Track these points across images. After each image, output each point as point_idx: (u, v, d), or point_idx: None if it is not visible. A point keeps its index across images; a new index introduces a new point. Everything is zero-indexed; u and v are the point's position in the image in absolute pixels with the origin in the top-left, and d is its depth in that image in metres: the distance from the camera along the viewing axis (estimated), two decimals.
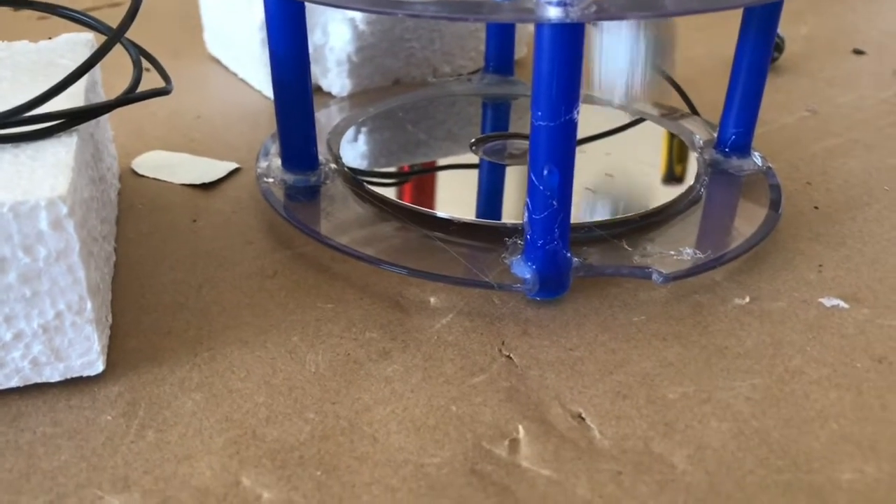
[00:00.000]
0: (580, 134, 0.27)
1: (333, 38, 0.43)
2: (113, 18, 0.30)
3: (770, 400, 0.25)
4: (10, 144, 0.25)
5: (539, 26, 0.25)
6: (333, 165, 0.35)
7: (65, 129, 0.26)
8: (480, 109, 0.42)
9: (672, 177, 0.35)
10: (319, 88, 0.46)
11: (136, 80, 0.29)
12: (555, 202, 0.27)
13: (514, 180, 0.35)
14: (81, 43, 0.33)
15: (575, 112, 0.26)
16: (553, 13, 0.24)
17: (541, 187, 0.27)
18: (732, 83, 0.35)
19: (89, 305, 0.24)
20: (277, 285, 0.30)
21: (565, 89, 0.26)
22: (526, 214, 0.28)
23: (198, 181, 0.36)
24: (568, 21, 0.24)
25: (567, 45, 0.25)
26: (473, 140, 0.38)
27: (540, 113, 0.26)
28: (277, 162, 0.35)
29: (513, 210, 0.33)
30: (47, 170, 0.24)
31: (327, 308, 0.29)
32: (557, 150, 0.26)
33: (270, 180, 0.34)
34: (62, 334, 0.24)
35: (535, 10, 0.24)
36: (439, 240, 0.31)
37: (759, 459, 0.23)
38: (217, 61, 0.50)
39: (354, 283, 0.30)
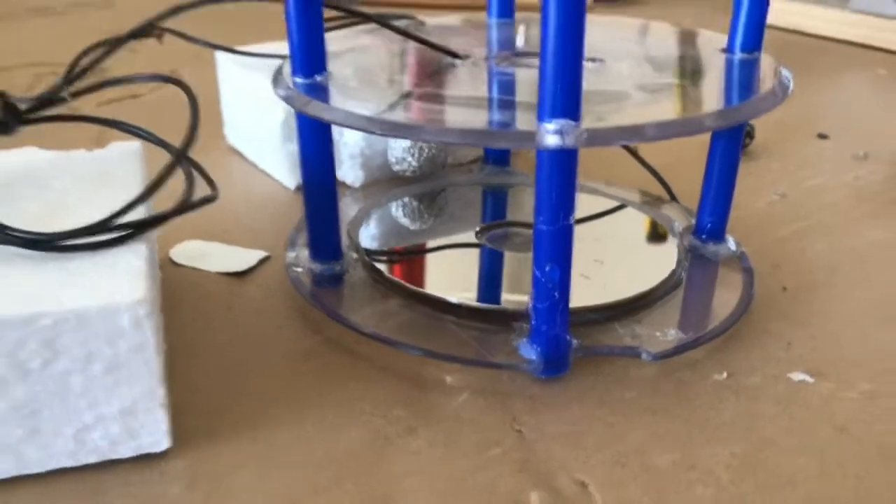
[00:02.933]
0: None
1: (347, 135, 0.48)
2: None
3: (747, 467, 0.29)
4: (89, 252, 0.29)
5: (539, 150, 0.29)
6: (354, 254, 0.40)
7: (134, 238, 0.30)
8: (481, 197, 0.47)
9: (654, 262, 0.40)
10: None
11: (190, 189, 0.33)
12: (556, 294, 0.31)
13: (516, 267, 0.39)
14: (132, 152, 0.37)
15: (571, 218, 0.30)
16: (552, 140, 0.29)
17: (543, 280, 0.31)
18: (707, 175, 0.39)
19: (160, 392, 0.28)
20: (310, 367, 0.34)
21: (563, 200, 0.30)
22: (531, 303, 0.32)
23: (231, 270, 0.40)
24: (564, 147, 0.28)
25: (564, 165, 0.29)
26: (478, 228, 0.42)
27: (542, 218, 0.30)
28: (304, 252, 0.39)
29: (517, 295, 0.37)
30: (124, 275, 0.27)
31: (357, 388, 0.33)
32: (557, 250, 0.31)
33: (299, 269, 0.38)
34: (136, 417, 0.28)
35: (536, 138, 0.29)
36: (452, 322, 0.36)
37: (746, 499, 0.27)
38: (237, 152, 0.54)
39: (378, 363, 0.34)
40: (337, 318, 0.36)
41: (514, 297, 0.37)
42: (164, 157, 0.32)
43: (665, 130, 0.29)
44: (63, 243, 0.29)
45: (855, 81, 0.71)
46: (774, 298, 0.39)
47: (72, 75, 0.36)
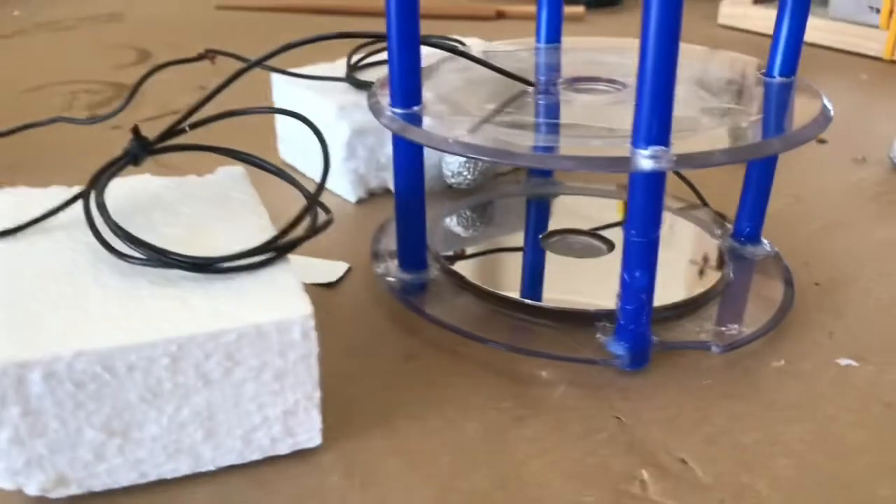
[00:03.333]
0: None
1: None
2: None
3: (817, 440, 0.34)
4: (244, 272, 0.32)
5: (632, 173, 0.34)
6: (437, 263, 0.44)
7: (279, 258, 0.33)
8: (530, 207, 0.51)
9: (704, 264, 0.45)
10: (389, 191, 0.54)
11: (315, 219, 0.36)
12: (643, 296, 0.36)
13: (582, 270, 0.44)
14: (238, 175, 0.40)
15: (658, 231, 0.35)
16: (647, 165, 0.33)
17: (632, 284, 0.36)
18: (746, 183, 0.44)
19: (317, 394, 0.32)
20: (415, 367, 0.38)
21: (653, 216, 0.34)
22: (619, 304, 0.36)
23: (322, 281, 0.44)
24: (657, 171, 0.33)
25: (654, 185, 0.34)
26: (542, 235, 0.46)
27: (634, 231, 0.35)
28: (391, 263, 0.43)
29: (591, 296, 0.41)
30: (287, 292, 0.31)
31: (464, 384, 0.37)
32: (646, 258, 0.35)
33: (392, 280, 0.42)
34: (296, 416, 0.32)
35: (631, 163, 0.33)
36: (537, 323, 0.40)
37: (818, 483, 0.32)
38: (292, 167, 0.57)
39: (477, 361, 0.38)
40: (435, 321, 0.40)
41: (588, 299, 0.41)
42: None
43: (739, 155, 0.34)
44: (224, 266, 0.32)
45: (841, 86, 0.77)
46: (810, 292, 0.44)
47: (191, 108, 0.39)
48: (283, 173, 0.38)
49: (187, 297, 0.31)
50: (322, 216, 0.36)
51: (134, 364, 0.28)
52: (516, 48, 0.49)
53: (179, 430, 0.30)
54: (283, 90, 0.56)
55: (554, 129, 0.38)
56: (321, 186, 0.36)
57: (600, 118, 0.39)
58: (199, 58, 0.55)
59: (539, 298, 0.41)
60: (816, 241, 0.49)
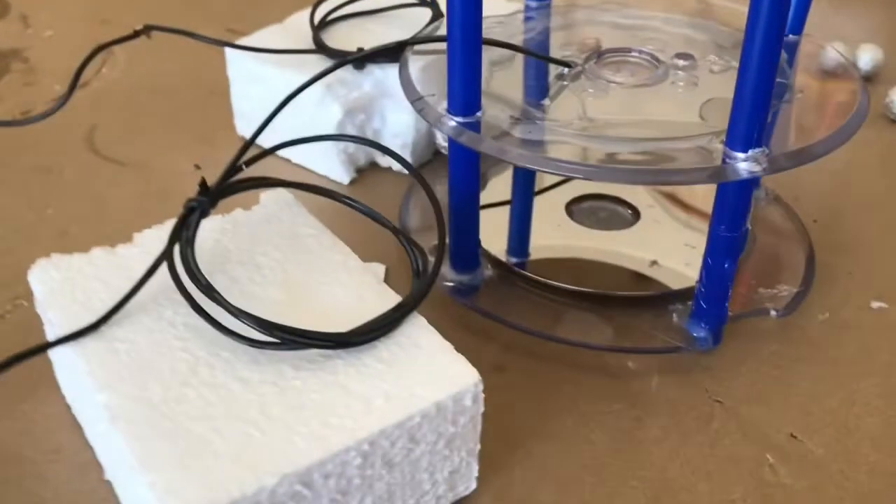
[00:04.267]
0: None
1: (394, 126, 0.49)
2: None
3: (890, 393, 0.38)
4: (381, 338, 0.31)
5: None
6: (487, 262, 0.43)
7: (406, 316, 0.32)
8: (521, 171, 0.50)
9: None
10: (377, 165, 0.52)
11: (416, 271, 0.34)
12: (728, 282, 0.37)
13: (619, 245, 0.44)
14: (289, 203, 0.37)
15: (746, 225, 0.36)
16: (744, 171, 0.33)
17: (720, 274, 0.37)
18: None
19: (478, 447, 0.31)
20: (512, 379, 0.38)
21: (742, 214, 0.36)
22: (702, 289, 0.38)
23: None
24: (755, 175, 0.34)
25: (747, 185, 0.35)
26: (566, 202, 0.46)
27: (723, 227, 0.36)
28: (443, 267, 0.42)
29: (657, 277, 0.42)
30: (445, 356, 0.30)
31: (567, 390, 0.37)
32: (733, 250, 0.37)
33: (450, 283, 0.41)
34: (460, 473, 0.31)
35: (727, 173, 0.34)
36: (599, 312, 0.41)
37: None
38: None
39: (563, 361, 0.39)
40: (514, 326, 0.40)
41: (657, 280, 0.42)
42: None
43: (831, 144, 0.35)
44: (362, 337, 0.30)
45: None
46: (814, 232, 0.47)
47: (245, 145, 0.35)
48: (375, 214, 0.36)
49: (345, 382, 0.29)
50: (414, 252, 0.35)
51: (329, 472, 0.27)
52: (514, 10, 0.47)
53: None
54: (243, 69, 0.51)
55: (619, 130, 0.38)
56: (440, 254, 0.34)
57: (655, 109, 0.39)
58: (137, 34, 0.50)
59: (598, 286, 0.42)
60: (795, 175, 0.52)
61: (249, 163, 0.35)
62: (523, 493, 0.33)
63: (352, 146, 0.50)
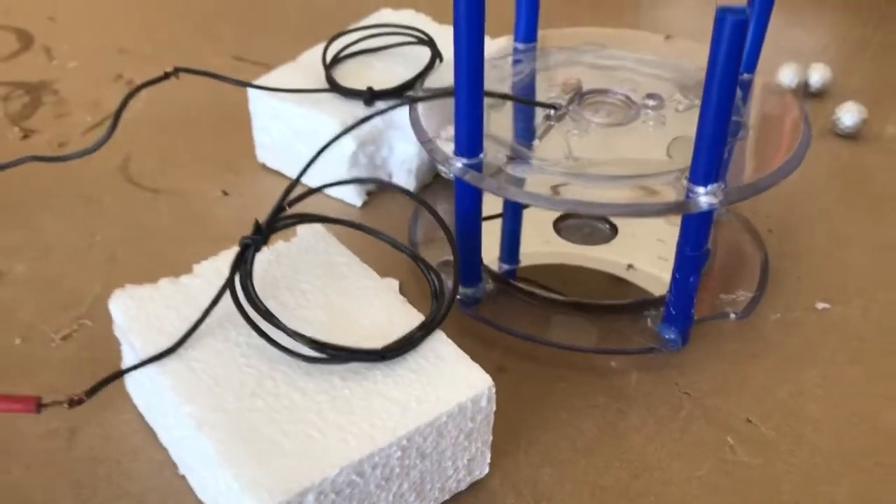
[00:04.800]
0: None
1: (399, 151, 0.56)
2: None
3: (829, 383, 0.45)
4: (411, 352, 0.37)
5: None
6: (489, 276, 0.50)
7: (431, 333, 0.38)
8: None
9: None
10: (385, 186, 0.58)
11: (433, 293, 0.41)
12: (692, 292, 0.44)
13: (600, 261, 0.51)
14: (322, 235, 0.44)
15: (707, 244, 0.43)
16: (705, 202, 0.40)
17: (686, 287, 0.44)
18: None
19: (491, 437, 0.38)
20: (513, 379, 0.45)
21: (704, 235, 0.42)
22: (672, 299, 0.45)
23: None
24: (714, 207, 0.41)
25: (708, 213, 0.42)
26: (554, 220, 0.53)
27: (688, 247, 0.43)
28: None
29: (633, 287, 0.49)
30: (463, 365, 0.37)
31: (562, 387, 0.44)
32: (697, 266, 0.43)
33: (458, 297, 0.48)
34: (476, 461, 0.38)
35: (691, 205, 0.40)
36: (584, 317, 0.48)
37: (844, 420, 0.43)
38: (275, 171, 0.59)
39: (557, 362, 0.46)
40: (513, 333, 0.46)
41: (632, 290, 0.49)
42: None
43: (777, 177, 0.42)
44: (396, 352, 0.37)
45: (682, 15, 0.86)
46: (767, 240, 0.54)
47: (289, 185, 0.41)
48: (396, 242, 0.43)
49: (384, 389, 0.36)
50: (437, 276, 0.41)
51: (377, 463, 0.34)
52: (503, 54, 0.53)
53: (400, 499, 0.36)
54: (265, 106, 0.57)
55: (600, 168, 0.44)
56: (456, 283, 0.41)
57: (630, 146, 0.46)
58: (167, 76, 0.56)
59: (583, 294, 0.49)
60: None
61: (292, 203, 0.41)
62: (527, 475, 0.40)
63: (364, 173, 0.56)
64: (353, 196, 0.56)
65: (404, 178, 0.57)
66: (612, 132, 0.46)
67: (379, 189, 0.58)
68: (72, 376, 0.44)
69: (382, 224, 0.51)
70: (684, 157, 0.43)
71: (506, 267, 0.53)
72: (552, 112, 0.47)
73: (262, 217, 0.41)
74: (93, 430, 0.41)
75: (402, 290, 0.49)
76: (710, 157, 0.40)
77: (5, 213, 0.55)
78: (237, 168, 0.60)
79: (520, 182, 0.43)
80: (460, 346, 0.46)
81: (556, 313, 0.48)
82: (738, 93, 0.49)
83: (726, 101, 0.38)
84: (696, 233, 0.42)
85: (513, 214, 0.55)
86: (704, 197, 0.40)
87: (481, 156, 0.43)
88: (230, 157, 0.61)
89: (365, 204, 0.57)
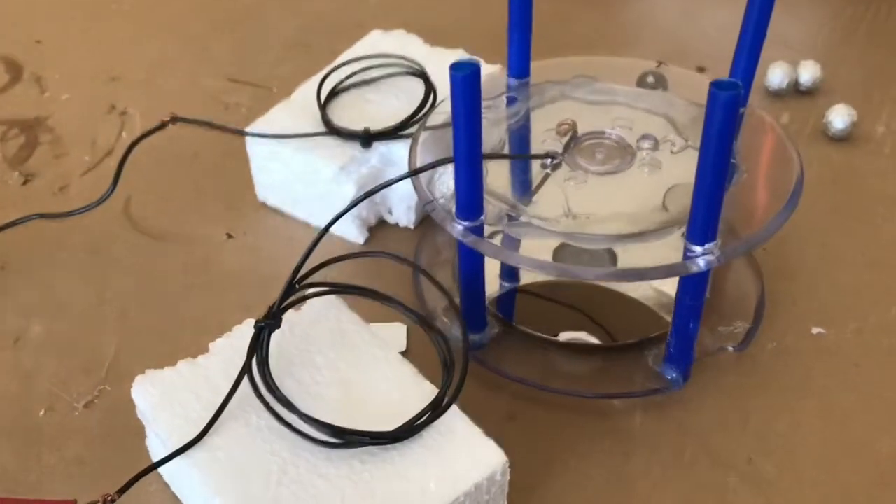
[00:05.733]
0: None
1: (401, 191, 0.56)
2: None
3: (825, 413, 0.47)
4: (428, 426, 0.39)
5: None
6: (495, 321, 0.51)
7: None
8: None
9: None
10: (385, 222, 0.59)
11: (444, 362, 0.42)
12: (693, 338, 0.46)
13: (609, 301, 0.53)
14: (332, 302, 0.45)
15: (706, 294, 0.44)
16: (702, 262, 0.42)
17: (687, 333, 0.45)
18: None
19: (506, 502, 0.40)
20: (523, 426, 0.47)
21: (703, 287, 0.44)
22: (672, 341, 0.46)
23: (400, 349, 0.50)
24: (712, 266, 0.42)
25: (704, 275, 0.43)
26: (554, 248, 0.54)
27: (687, 297, 0.44)
28: (451, 326, 0.50)
29: (627, 327, 0.51)
30: (476, 441, 0.38)
31: (569, 433, 0.46)
32: (697, 314, 0.45)
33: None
34: None
35: (688, 267, 0.42)
36: (586, 359, 0.49)
37: (841, 452, 0.45)
38: (275, 209, 0.60)
39: (565, 407, 0.47)
40: (521, 381, 0.48)
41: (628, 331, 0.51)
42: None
43: (768, 231, 0.44)
44: (410, 432, 0.38)
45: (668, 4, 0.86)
46: (761, 258, 0.56)
47: (299, 262, 0.43)
48: (407, 308, 0.44)
49: (402, 471, 0.37)
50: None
51: None
52: (494, 94, 0.53)
53: None
54: (262, 149, 0.57)
55: (596, 227, 0.45)
56: (466, 358, 0.42)
57: (626, 197, 0.46)
58: (164, 125, 0.56)
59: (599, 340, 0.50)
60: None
61: (300, 282, 0.42)
62: None
63: (364, 212, 0.57)
64: (355, 234, 0.57)
65: (404, 213, 0.58)
66: (609, 181, 0.47)
67: (379, 223, 0.59)
68: (98, 447, 0.46)
69: (386, 264, 0.53)
70: (680, 208, 0.44)
71: (507, 285, 0.55)
72: (549, 161, 0.48)
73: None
74: (123, 500, 0.43)
75: (408, 335, 0.51)
76: (706, 218, 0.41)
77: (16, 272, 0.56)
78: (239, 207, 0.61)
79: (518, 245, 0.44)
80: (469, 390, 0.47)
81: (559, 354, 0.50)
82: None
83: (722, 170, 0.39)
84: (696, 286, 0.44)
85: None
86: (702, 258, 0.42)
87: (482, 218, 0.45)
88: (231, 195, 0.61)
89: (367, 240, 0.58)
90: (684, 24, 0.80)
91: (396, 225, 0.59)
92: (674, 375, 0.48)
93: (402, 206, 0.58)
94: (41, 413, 0.48)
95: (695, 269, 0.42)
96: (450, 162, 0.44)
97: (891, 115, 0.68)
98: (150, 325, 0.52)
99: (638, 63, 0.56)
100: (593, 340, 0.50)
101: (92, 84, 0.73)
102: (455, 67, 0.40)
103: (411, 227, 0.59)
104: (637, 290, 0.52)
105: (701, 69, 0.73)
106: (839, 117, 0.64)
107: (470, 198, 0.44)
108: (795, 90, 0.70)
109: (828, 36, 0.77)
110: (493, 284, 0.54)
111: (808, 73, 0.69)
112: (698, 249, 0.42)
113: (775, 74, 0.69)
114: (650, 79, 0.55)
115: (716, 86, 0.37)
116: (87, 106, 0.70)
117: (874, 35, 0.77)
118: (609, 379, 0.49)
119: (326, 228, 0.45)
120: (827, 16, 0.79)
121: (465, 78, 0.40)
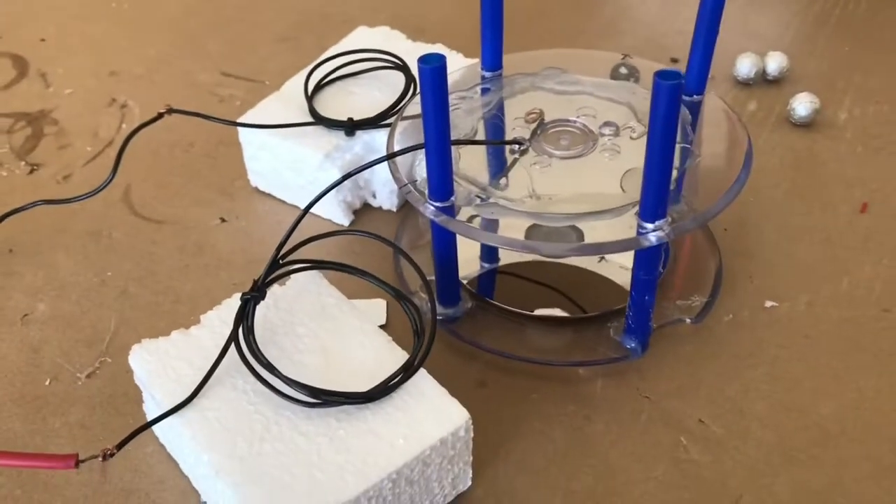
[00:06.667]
0: None
1: (383, 177, 0.60)
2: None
3: (774, 380, 0.50)
4: (399, 387, 0.43)
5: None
6: (467, 295, 0.55)
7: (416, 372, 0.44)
8: None
9: None
10: (369, 206, 0.63)
11: (415, 331, 0.46)
12: (649, 309, 0.50)
13: (568, 271, 0.56)
14: (314, 277, 0.49)
15: (659, 268, 0.48)
16: (653, 238, 0.45)
17: (643, 304, 0.49)
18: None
19: (471, 457, 0.44)
20: (493, 393, 0.50)
21: (656, 262, 0.47)
22: (630, 314, 0.50)
23: (379, 323, 0.54)
24: (662, 241, 0.45)
25: (656, 249, 0.46)
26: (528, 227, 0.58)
27: (642, 272, 0.48)
28: (423, 300, 0.53)
29: (599, 303, 0.54)
30: (442, 400, 0.42)
31: (535, 398, 0.50)
32: (651, 287, 0.48)
33: (439, 316, 0.53)
34: (459, 477, 0.44)
35: (641, 241, 0.45)
36: (555, 330, 0.53)
37: (785, 415, 0.48)
38: (267, 194, 0.64)
39: (532, 374, 0.51)
40: (492, 351, 0.52)
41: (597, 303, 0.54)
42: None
43: (717, 208, 0.47)
44: (382, 393, 0.42)
45: None
46: (722, 238, 0.59)
47: (284, 238, 0.46)
48: (384, 283, 0.48)
49: (374, 427, 0.41)
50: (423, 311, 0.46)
51: (371, 496, 0.39)
52: (469, 86, 0.57)
53: None
54: (254, 138, 0.61)
55: (559, 206, 0.49)
56: (434, 326, 0.46)
57: (587, 179, 0.50)
58: (161, 116, 0.60)
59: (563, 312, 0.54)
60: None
61: (284, 258, 0.46)
62: (506, 484, 0.46)
63: (349, 196, 0.61)
64: (340, 217, 0.61)
65: (387, 197, 0.62)
66: (572, 164, 0.51)
67: (363, 207, 0.63)
68: (100, 413, 0.50)
69: (369, 244, 0.57)
70: (636, 190, 0.48)
71: (486, 266, 0.58)
72: (517, 147, 0.52)
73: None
74: (122, 462, 0.47)
75: (388, 309, 0.55)
76: (656, 198, 0.44)
77: (23, 255, 0.60)
78: (232, 192, 0.64)
79: (489, 225, 0.48)
80: (442, 361, 0.52)
81: (530, 327, 0.54)
82: (688, 117, 0.53)
83: (668, 152, 0.42)
84: (649, 261, 0.47)
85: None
86: (653, 233, 0.45)
87: (452, 199, 0.48)
88: (225, 182, 0.65)
89: (352, 223, 0.62)
90: (662, 18, 0.84)
91: (380, 208, 0.63)
92: (633, 345, 0.51)
93: (384, 190, 0.61)
94: (47, 383, 0.51)
95: (646, 243, 0.45)
96: (421, 147, 0.47)
97: (853, 102, 0.71)
98: (147, 303, 0.56)
99: (607, 55, 0.60)
100: (563, 314, 0.54)
101: (93, 79, 0.76)
102: (423, 60, 0.43)
103: (394, 210, 0.62)
104: (610, 271, 0.56)
105: (674, 60, 0.77)
106: (802, 105, 0.68)
107: (440, 180, 0.47)
108: (763, 79, 0.74)
109: (798, 27, 0.80)
110: (473, 265, 0.57)
111: (776, 62, 0.73)
112: (650, 226, 0.45)
113: (743, 64, 0.73)
114: (623, 70, 0.59)
115: (660, 76, 0.41)
116: (89, 100, 0.74)
117: (843, 26, 0.80)
118: (576, 349, 0.52)
119: (308, 208, 0.49)
120: (799, 8, 0.83)
121: (433, 70, 0.44)
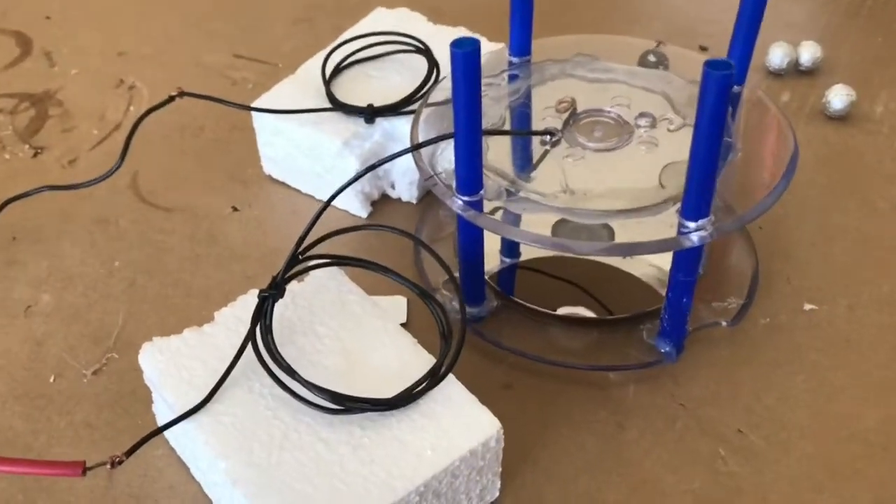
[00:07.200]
0: None
1: (403, 166, 0.57)
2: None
3: (815, 387, 0.48)
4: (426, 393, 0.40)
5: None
6: (493, 294, 0.52)
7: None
8: None
9: None
10: (387, 196, 0.60)
11: (442, 333, 0.43)
12: (686, 311, 0.47)
13: (607, 274, 0.54)
14: (333, 273, 0.46)
15: (698, 272, 0.45)
16: (696, 237, 0.43)
17: (680, 307, 0.47)
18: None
19: (500, 468, 0.41)
20: (518, 395, 0.48)
21: (696, 263, 0.45)
22: (666, 316, 0.47)
23: (400, 321, 0.51)
24: (705, 241, 0.43)
25: (697, 250, 0.44)
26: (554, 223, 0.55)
27: (681, 274, 0.45)
28: (450, 299, 0.51)
29: (625, 302, 0.52)
30: (472, 409, 0.40)
31: (563, 403, 0.47)
32: (690, 289, 0.46)
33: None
34: (487, 488, 0.41)
35: (681, 242, 0.43)
36: (583, 332, 0.50)
37: (826, 424, 0.46)
38: (281, 182, 0.61)
39: (559, 378, 0.49)
40: (517, 352, 0.49)
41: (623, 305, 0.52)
42: None
43: (761, 208, 0.44)
44: (408, 399, 0.40)
45: None
46: (757, 237, 0.56)
47: (302, 234, 0.44)
48: (408, 281, 0.45)
49: (400, 436, 0.39)
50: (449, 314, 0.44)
51: None
52: (496, 72, 0.54)
53: None
54: (268, 124, 0.58)
55: (594, 203, 0.46)
56: (463, 330, 0.43)
57: (623, 173, 0.47)
58: (172, 99, 0.57)
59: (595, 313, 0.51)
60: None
61: (303, 253, 0.44)
62: (534, 493, 0.44)
63: (367, 186, 0.58)
64: (358, 208, 0.58)
65: (406, 189, 0.59)
66: (606, 157, 0.48)
67: (382, 198, 0.60)
68: (107, 412, 0.47)
69: (390, 238, 0.54)
70: (676, 185, 0.45)
71: (507, 261, 0.56)
72: (548, 138, 0.49)
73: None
74: (130, 467, 0.44)
75: (409, 307, 0.52)
76: (700, 195, 0.42)
77: (27, 243, 0.57)
78: (244, 179, 0.62)
79: (518, 220, 0.45)
80: (466, 361, 0.49)
81: (554, 327, 0.51)
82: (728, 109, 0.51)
83: (715, 147, 0.40)
84: (689, 261, 0.45)
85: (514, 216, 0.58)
86: (695, 233, 0.43)
87: (481, 192, 0.45)
88: (237, 169, 0.62)
89: (370, 215, 0.59)
90: (690, 4, 0.81)
91: (399, 200, 0.60)
92: (667, 349, 0.49)
93: (404, 181, 0.59)
94: (51, 379, 0.49)
95: (688, 244, 0.43)
96: (450, 138, 0.45)
97: (890, 95, 0.68)
98: (156, 296, 0.54)
99: (638, 42, 0.57)
100: (590, 314, 0.51)
101: (100, 59, 0.73)
102: (456, 44, 0.41)
103: (414, 201, 0.60)
104: (637, 268, 0.53)
105: (703, 48, 0.74)
106: (838, 97, 0.65)
107: (469, 173, 0.45)
108: (796, 70, 0.71)
109: (830, 17, 0.77)
110: (494, 260, 0.55)
111: (809, 53, 0.70)
112: (692, 225, 0.43)
113: (776, 54, 0.70)
114: (651, 57, 0.56)
115: (709, 65, 0.38)
116: (95, 80, 0.71)
117: (875, 17, 0.77)
118: (605, 352, 0.50)
119: (329, 202, 0.46)
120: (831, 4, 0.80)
121: (466, 55, 0.41)
